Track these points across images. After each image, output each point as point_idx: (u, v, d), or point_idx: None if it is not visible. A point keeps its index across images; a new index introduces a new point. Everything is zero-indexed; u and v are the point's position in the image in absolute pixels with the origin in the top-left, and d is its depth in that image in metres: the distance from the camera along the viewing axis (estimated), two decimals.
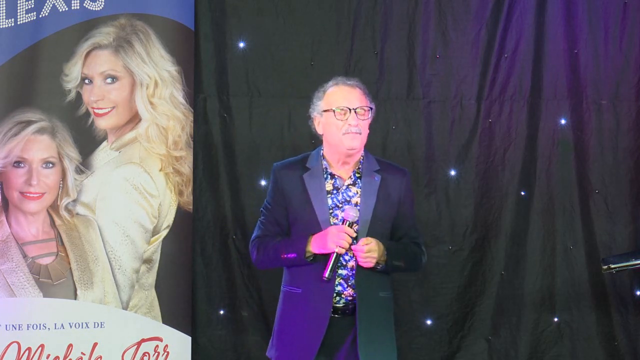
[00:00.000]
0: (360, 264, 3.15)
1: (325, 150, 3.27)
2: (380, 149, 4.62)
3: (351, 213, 3.14)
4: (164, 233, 4.56)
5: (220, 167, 4.72)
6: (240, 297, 4.70)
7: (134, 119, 4.53)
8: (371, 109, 3.24)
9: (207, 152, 4.71)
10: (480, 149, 4.73)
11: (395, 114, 4.68)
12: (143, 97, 4.50)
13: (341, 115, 3.19)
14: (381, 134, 4.64)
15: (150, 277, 4.55)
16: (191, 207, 4.61)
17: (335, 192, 3.24)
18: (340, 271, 3.23)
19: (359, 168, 3.30)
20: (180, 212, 4.58)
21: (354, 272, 3.23)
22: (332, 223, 3.20)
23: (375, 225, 3.22)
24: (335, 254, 3.09)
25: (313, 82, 4.31)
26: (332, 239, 3.10)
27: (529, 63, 4.71)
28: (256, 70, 4.70)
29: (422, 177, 4.69)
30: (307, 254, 3.15)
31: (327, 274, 3.06)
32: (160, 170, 4.56)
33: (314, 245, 3.13)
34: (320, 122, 3.26)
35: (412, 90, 4.73)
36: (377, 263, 3.17)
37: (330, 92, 3.24)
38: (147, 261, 4.56)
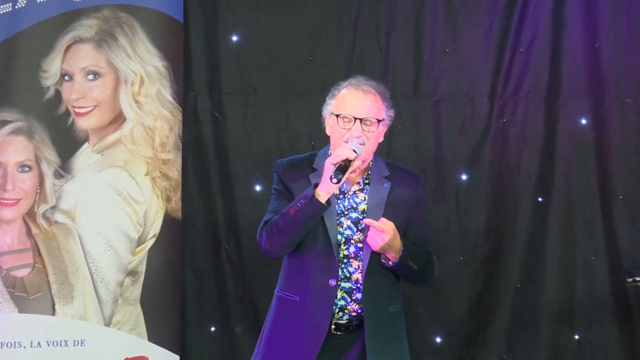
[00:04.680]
0: (367, 240, 3.13)
1: (332, 152, 3.30)
2: (384, 151, 4.62)
3: (352, 144, 3.16)
4: (150, 243, 4.59)
5: (212, 170, 4.75)
6: (233, 313, 4.73)
7: (118, 118, 4.56)
8: (380, 121, 3.23)
9: (198, 154, 4.74)
10: (493, 151, 4.76)
11: (401, 114, 4.57)
12: (128, 95, 4.52)
13: (345, 123, 3.22)
14: (386, 135, 3.75)
15: (135, 291, 4.57)
16: (180, 214, 4.64)
17: (341, 196, 3.26)
18: (343, 284, 3.23)
19: (368, 174, 3.32)
20: (168, 219, 4.60)
21: (359, 285, 3.23)
22: (337, 230, 3.23)
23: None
24: (338, 164, 3.09)
25: (312, 79, 4.68)
26: (329, 159, 3.11)
27: (546, 58, 4.75)
28: (251, 66, 4.73)
29: (431, 182, 4.71)
30: (317, 195, 3.14)
31: (334, 174, 3.05)
32: (147, 174, 4.58)
33: (322, 186, 3.13)
34: (329, 124, 3.30)
35: (420, 87, 4.76)
36: (388, 260, 3.17)
37: (341, 95, 3.25)
38: (132, 273, 4.58)
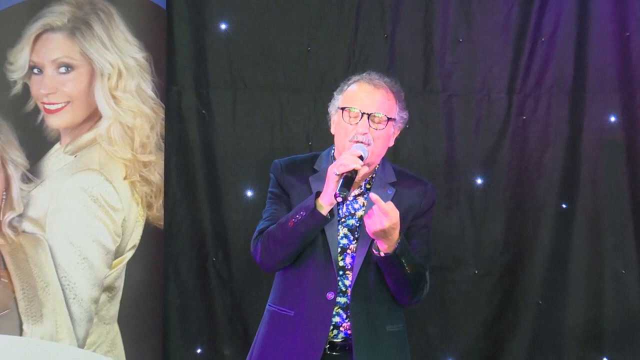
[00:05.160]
0: (365, 218, 3.10)
1: (336, 152, 3.29)
2: (391, 153, 4.15)
3: (358, 148, 3.16)
4: (129, 254, 4.60)
5: (198, 174, 4.68)
6: (221, 333, 4.67)
7: (93, 116, 4.56)
8: (390, 119, 3.21)
9: (182, 156, 4.68)
10: (512, 152, 4.66)
11: (409, 111, 4.20)
12: (104, 89, 4.52)
13: (352, 118, 3.19)
14: None
15: (113, 309, 4.57)
16: (162, 222, 4.63)
17: (341, 202, 3.20)
18: (338, 298, 3.21)
19: (372, 177, 3.30)
20: (149, 229, 4.62)
21: None
22: (337, 238, 3.23)
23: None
24: (344, 176, 3.07)
25: (310, 72, 4.62)
26: (333, 168, 3.09)
27: (570, 48, 4.65)
28: (241, 58, 4.67)
29: (442, 187, 4.62)
30: (319, 207, 3.13)
31: (339, 191, 3.02)
32: (125, 178, 4.58)
33: (324, 197, 3.11)
34: (334, 121, 3.27)
35: (430, 81, 4.68)
36: (379, 250, 3.11)
37: (350, 89, 3.24)
38: (109, 289, 4.57)
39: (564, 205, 4.67)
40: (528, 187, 4.68)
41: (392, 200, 3.18)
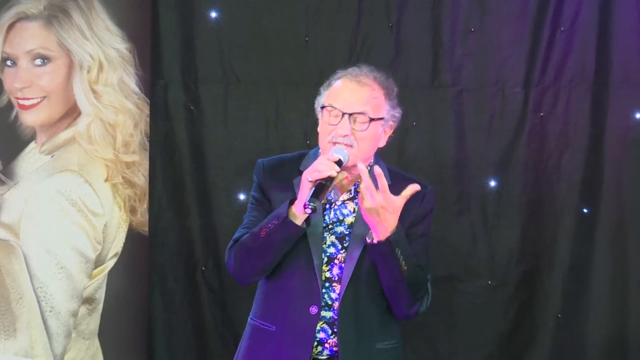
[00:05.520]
0: (359, 189, 3.02)
1: (322, 153, 3.22)
2: (396, 153, 4.55)
3: (336, 153, 3.10)
4: (110, 263, 4.54)
5: (186, 176, 4.65)
6: (212, 349, 4.63)
7: (72, 112, 4.49)
8: (374, 120, 3.11)
9: (169, 156, 4.65)
10: (528, 152, 4.61)
11: (415, 107, 4.55)
12: (83, 83, 4.46)
13: (332, 118, 3.13)
14: (397, 133, 4.40)
15: (93, 322, 4.53)
16: (147, 229, 4.62)
17: (328, 207, 3.18)
18: (323, 312, 3.14)
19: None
20: (132, 235, 4.59)
21: None
22: (322, 248, 3.17)
23: (370, 257, 3.11)
24: (318, 183, 3.01)
25: (308, 65, 4.57)
26: (306, 174, 3.03)
27: (592, 38, 4.59)
28: (233, 49, 4.62)
29: (452, 190, 4.59)
30: (292, 215, 3.07)
31: (309, 202, 2.95)
32: (106, 180, 4.52)
33: (298, 205, 3.03)
34: (319, 119, 3.23)
35: (438, 75, 4.62)
36: (372, 239, 3.03)
37: (335, 86, 3.18)
38: (89, 301, 4.52)
39: (585, 210, 4.63)
40: (546, 190, 4.63)
41: None
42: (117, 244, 4.51)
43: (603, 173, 4.57)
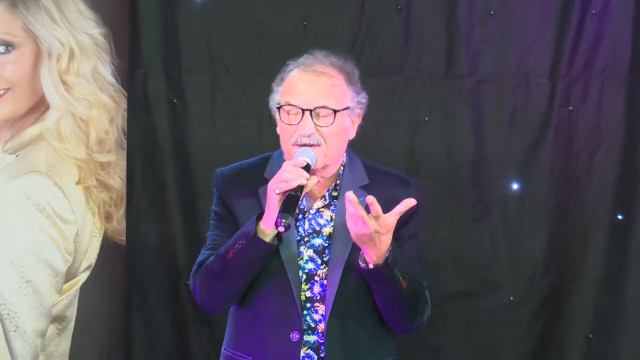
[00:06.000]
0: (349, 224, 2.93)
1: (286, 157, 3.16)
2: (405, 152, 4.41)
3: (303, 155, 3.05)
4: (83, 277, 4.44)
5: (169, 178, 4.50)
6: None
7: (39, 106, 4.40)
8: (338, 111, 3.04)
9: (149, 156, 4.52)
10: (555, 151, 4.46)
11: (427, 100, 4.41)
12: (52, 73, 4.36)
13: (291, 117, 3.07)
14: (407, 130, 4.43)
15: (63, 343, 4.44)
16: (124, 238, 4.51)
17: (300, 217, 3.08)
18: (306, 337, 3.06)
19: (336, 183, 3.14)
20: (108, 245, 4.50)
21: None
22: (298, 264, 3.08)
23: (355, 268, 3.04)
24: (287, 195, 2.95)
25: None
26: (272, 185, 2.98)
27: (627, 23, 4.44)
28: (222, 35, 4.49)
29: (469, 194, 4.45)
30: (261, 233, 3.01)
31: (280, 218, 2.87)
32: (78, 182, 4.42)
33: (267, 220, 2.98)
34: (277, 119, 3.16)
35: (454, 64, 4.47)
36: (367, 262, 2.98)
37: (288, 80, 3.12)
38: (58, 319, 4.42)
39: (619, 217, 4.48)
40: (575, 193, 4.49)
41: (365, 211, 3.03)
42: (90, 255, 4.44)
43: (639, 175, 4.45)
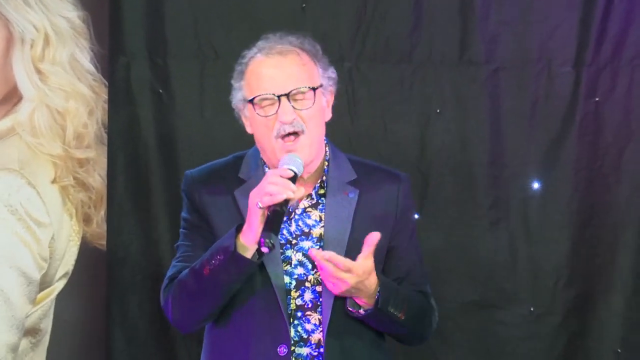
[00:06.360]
0: (326, 284, 2.92)
1: (263, 156, 3.09)
2: (415, 147, 4.31)
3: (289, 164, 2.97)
4: (59, 285, 4.34)
5: (154, 176, 4.39)
6: None
7: (11, 97, 4.32)
8: (315, 88, 2.96)
9: (132, 151, 4.42)
10: (580, 146, 4.35)
11: (440, 89, 4.31)
12: (26, 61, 4.27)
13: (267, 108, 2.96)
14: (417, 122, 4.35)
15: (37, 358, 4.35)
16: (104, 242, 4.40)
17: (285, 218, 2.97)
18: (298, 350, 2.96)
19: (322, 180, 3.06)
20: (86, 250, 4.40)
21: (321, 350, 2.98)
22: (283, 270, 2.98)
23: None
24: (272, 210, 2.86)
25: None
26: (255, 197, 2.87)
27: None
28: (211, 18, 4.39)
29: (485, 194, 4.34)
30: (241, 247, 2.91)
31: (264, 238, 2.80)
32: (54, 181, 4.33)
33: (247, 234, 2.87)
34: (246, 117, 3.05)
35: (468, 49, 4.36)
36: (358, 307, 2.95)
37: (250, 70, 3.02)
38: (32, 332, 4.34)
39: None
40: (602, 194, 4.37)
41: (357, 208, 3.00)
42: (67, 262, 4.32)
43: None
